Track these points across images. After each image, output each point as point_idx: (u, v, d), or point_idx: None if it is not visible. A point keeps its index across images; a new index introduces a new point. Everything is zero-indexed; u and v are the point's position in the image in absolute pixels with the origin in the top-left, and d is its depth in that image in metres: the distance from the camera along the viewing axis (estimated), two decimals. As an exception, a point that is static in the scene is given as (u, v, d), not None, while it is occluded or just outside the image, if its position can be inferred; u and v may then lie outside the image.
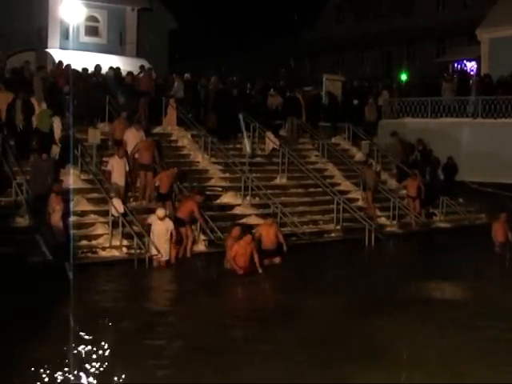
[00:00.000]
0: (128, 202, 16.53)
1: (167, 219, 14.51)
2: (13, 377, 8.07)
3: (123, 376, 8.15)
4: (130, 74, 21.41)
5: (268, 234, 14.78)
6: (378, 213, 20.03)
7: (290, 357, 8.89)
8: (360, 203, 20.10)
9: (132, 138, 17.50)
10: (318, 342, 9.59)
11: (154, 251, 14.29)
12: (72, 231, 14.65)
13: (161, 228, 14.41)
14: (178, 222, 14.97)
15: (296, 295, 12.24)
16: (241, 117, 20.60)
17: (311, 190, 20.30)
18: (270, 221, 15.41)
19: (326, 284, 13.46)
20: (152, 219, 14.67)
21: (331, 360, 8.82)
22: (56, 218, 14.29)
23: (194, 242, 15.58)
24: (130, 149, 17.27)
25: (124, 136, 17.60)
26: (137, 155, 17.15)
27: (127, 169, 16.61)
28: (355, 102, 24.74)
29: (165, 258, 14.35)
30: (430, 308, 11.45)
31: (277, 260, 14.75)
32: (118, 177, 16.39)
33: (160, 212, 14.47)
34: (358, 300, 11.93)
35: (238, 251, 13.57)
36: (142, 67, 22.84)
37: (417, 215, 19.96)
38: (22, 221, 15.08)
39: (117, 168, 16.42)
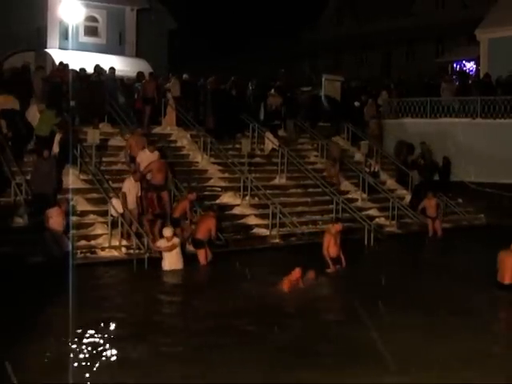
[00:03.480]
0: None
1: (175, 238, 14.24)
2: (10, 376, 8.09)
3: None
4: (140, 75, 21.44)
5: (336, 242, 14.25)
6: (347, 184, 21.04)
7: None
8: (325, 174, 21.04)
9: (145, 159, 16.82)
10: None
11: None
12: (71, 231, 14.65)
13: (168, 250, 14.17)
14: (196, 245, 14.75)
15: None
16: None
17: (310, 190, 20.31)
18: (340, 226, 14.60)
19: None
20: (160, 243, 14.36)
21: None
22: (55, 222, 14.25)
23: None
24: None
25: (137, 158, 16.96)
26: (149, 176, 16.44)
27: (139, 194, 15.91)
28: (357, 104, 24.82)
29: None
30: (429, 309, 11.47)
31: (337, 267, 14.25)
32: (131, 200, 15.61)
33: (167, 231, 14.31)
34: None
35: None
36: (140, 74, 21.94)
37: (415, 215, 19.98)
38: (21, 221, 15.10)
39: (132, 192, 15.66)
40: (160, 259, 14.19)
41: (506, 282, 12.22)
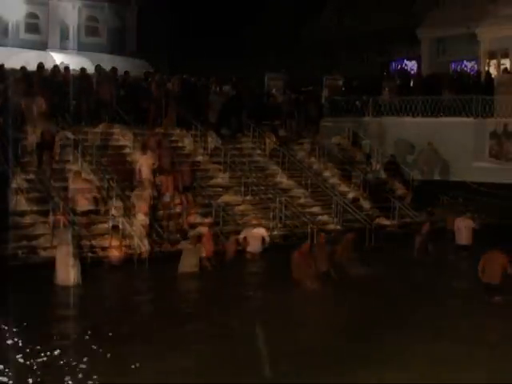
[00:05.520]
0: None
1: (199, 245, 14.19)
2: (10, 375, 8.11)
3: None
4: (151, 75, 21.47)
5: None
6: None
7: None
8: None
9: (143, 162, 16.94)
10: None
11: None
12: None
13: (192, 252, 14.05)
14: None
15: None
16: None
17: (311, 189, 20.30)
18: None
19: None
20: (183, 245, 14.38)
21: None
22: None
23: None
24: (144, 174, 16.68)
25: (138, 164, 17.01)
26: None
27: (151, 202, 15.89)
28: (357, 103, 24.82)
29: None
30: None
31: None
32: (143, 211, 15.61)
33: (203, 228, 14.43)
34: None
35: None
36: (148, 73, 22.34)
37: (415, 214, 20.01)
38: (22, 220, 15.09)
39: (140, 202, 15.69)
40: (160, 259, 14.20)
41: (493, 281, 12.23)
